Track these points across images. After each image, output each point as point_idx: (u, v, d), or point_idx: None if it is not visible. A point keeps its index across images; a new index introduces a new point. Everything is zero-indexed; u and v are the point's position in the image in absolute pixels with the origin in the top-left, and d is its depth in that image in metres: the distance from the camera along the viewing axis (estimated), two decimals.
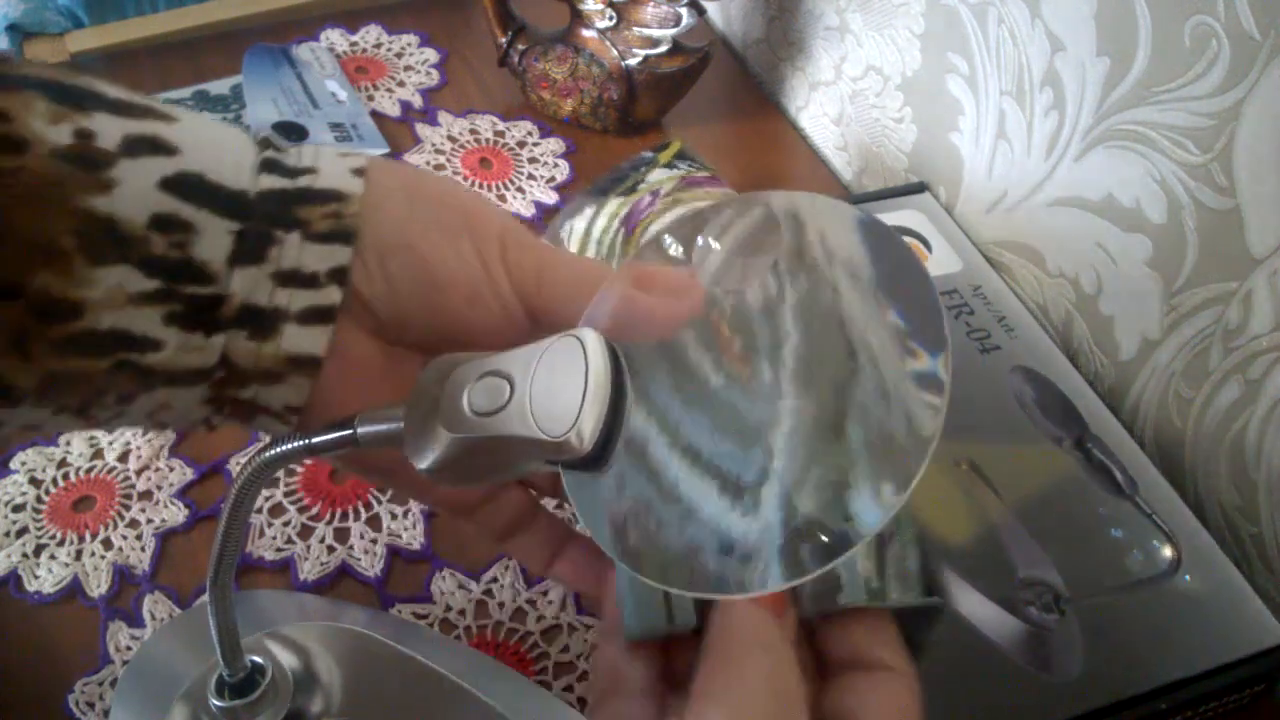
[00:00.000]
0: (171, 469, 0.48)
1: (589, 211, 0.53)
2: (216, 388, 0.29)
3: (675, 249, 0.31)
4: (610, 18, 0.64)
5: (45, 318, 0.25)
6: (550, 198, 0.64)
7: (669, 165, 0.55)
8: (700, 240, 0.31)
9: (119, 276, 0.26)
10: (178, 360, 0.27)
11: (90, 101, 0.26)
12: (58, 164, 0.25)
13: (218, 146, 0.28)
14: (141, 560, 0.45)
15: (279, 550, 0.46)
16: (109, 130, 0.26)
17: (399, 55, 0.73)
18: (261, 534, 0.46)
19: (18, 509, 0.46)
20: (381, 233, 0.29)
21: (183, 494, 0.48)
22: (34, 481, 0.48)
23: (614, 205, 0.53)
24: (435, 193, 0.31)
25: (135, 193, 0.26)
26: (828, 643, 0.28)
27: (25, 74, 0.26)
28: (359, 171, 0.29)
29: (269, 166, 0.28)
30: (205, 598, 0.34)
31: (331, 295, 0.28)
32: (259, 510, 0.47)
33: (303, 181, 0.29)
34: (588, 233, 0.53)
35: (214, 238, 0.27)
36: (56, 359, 0.26)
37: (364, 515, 0.47)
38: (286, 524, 0.47)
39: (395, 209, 0.30)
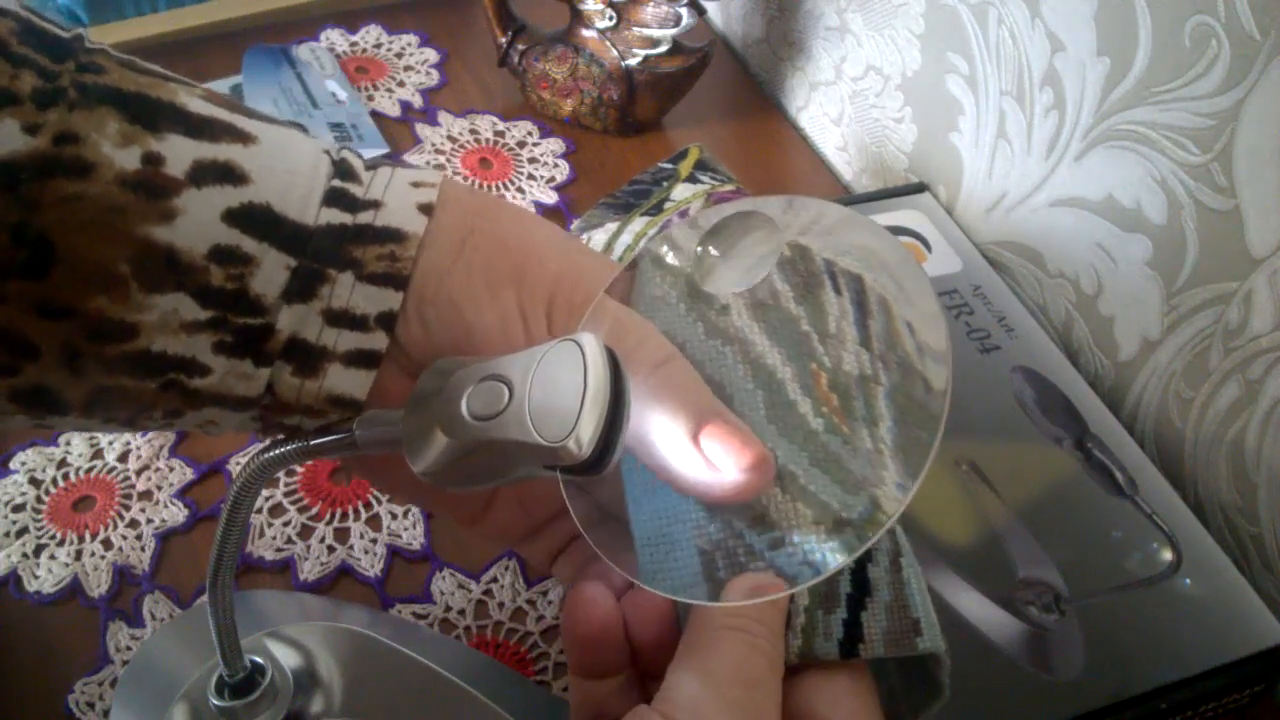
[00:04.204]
0: (171, 469, 0.48)
1: (611, 226, 0.53)
2: (263, 412, 0.29)
3: (672, 257, 0.31)
4: (610, 18, 0.64)
5: (98, 338, 0.25)
6: (550, 198, 0.64)
7: (691, 178, 0.55)
8: (699, 248, 0.31)
9: (174, 303, 0.26)
10: (225, 386, 0.27)
11: (166, 120, 0.25)
12: (121, 191, 0.24)
13: (290, 174, 0.27)
14: (141, 560, 0.45)
15: (279, 550, 0.46)
16: (179, 155, 0.25)
17: (399, 55, 0.73)
18: (261, 534, 0.46)
19: (18, 509, 0.46)
20: (424, 281, 0.28)
21: (183, 494, 0.48)
22: (34, 481, 0.48)
23: (640, 225, 0.52)
24: (493, 234, 0.29)
25: (197, 223, 0.25)
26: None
27: (106, 85, 0.25)
28: (426, 208, 0.28)
29: (334, 199, 0.27)
30: (205, 598, 0.34)
31: (378, 340, 0.28)
32: (259, 510, 0.47)
33: (363, 218, 0.28)
34: (609, 248, 0.52)
35: (271, 272, 0.26)
36: (106, 376, 0.26)
37: (364, 515, 0.47)
38: (286, 524, 0.47)
39: (442, 255, 0.28)
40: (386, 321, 0.28)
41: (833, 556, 0.26)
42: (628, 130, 0.68)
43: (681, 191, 0.54)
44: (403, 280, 0.28)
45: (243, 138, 0.26)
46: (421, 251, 0.28)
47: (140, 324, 0.25)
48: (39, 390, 0.26)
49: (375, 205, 0.28)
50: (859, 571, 0.28)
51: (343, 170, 0.28)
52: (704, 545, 0.27)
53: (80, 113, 0.24)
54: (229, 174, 0.26)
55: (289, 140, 0.28)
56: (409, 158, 0.65)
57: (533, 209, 0.63)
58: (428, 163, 0.65)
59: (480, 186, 0.64)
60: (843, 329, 0.28)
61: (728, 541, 0.27)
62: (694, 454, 0.27)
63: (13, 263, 0.24)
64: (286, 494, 0.48)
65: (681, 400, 0.27)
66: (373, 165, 0.30)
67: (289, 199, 0.27)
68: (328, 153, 0.28)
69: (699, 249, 0.31)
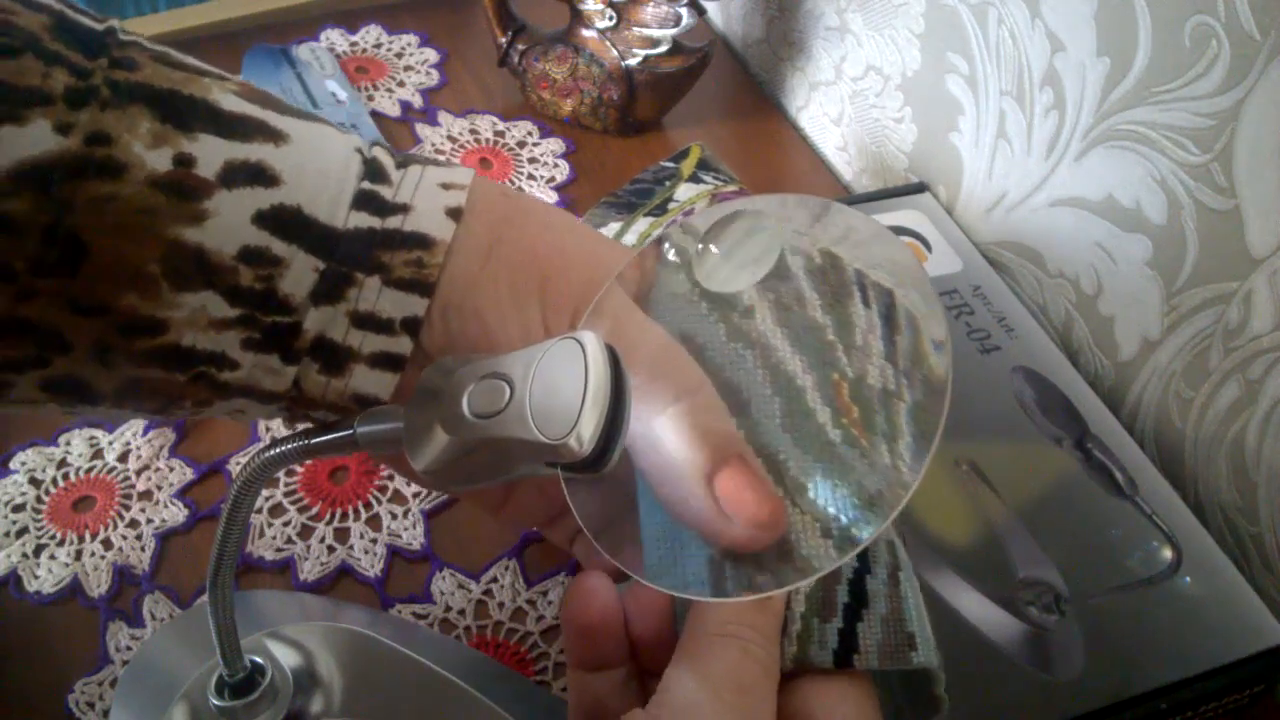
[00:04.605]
0: (171, 469, 0.48)
1: (615, 226, 0.53)
2: (290, 404, 0.29)
3: (673, 255, 0.31)
4: (610, 18, 0.64)
5: (128, 333, 0.26)
6: (550, 198, 0.64)
7: (693, 178, 0.55)
8: (699, 246, 0.31)
9: (203, 301, 0.26)
10: (253, 379, 0.28)
11: (198, 120, 0.25)
12: (152, 192, 0.25)
13: (321, 175, 0.27)
14: (141, 560, 0.45)
15: (279, 550, 0.46)
16: (210, 156, 0.25)
17: (399, 55, 0.73)
18: (261, 534, 0.46)
19: (18, 509, 0.46)
20: (450, 287, 0.28)
21: (183, 494, 0.48)
22: (34, 481, 0.48)
23: (644, 225, 0.52)
24: (521, 243, 0.29)
25: (228, 225, 0.25)
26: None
27: (139, 83, 0.25)
28: (454, 213, 0.28)
29: (363, 201, 0.27)
30: (205, 598, 0.34)
31: (403, 344, 0.28)
32: (259, 510, 0.47)
33: (392, 222, 0.28)
34: None
35: (299, 274, 0.27)
36: (136, 369, 0.26)
37: (364, 515, 0.47)
38: (286, 524, 0.47)
39: (470, 262, 0.29)
40: (411, 326, 0.28)
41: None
42: (628, 130, 0.68)
43: (685, 192, 0.54)
44: (428, 287, 0.28)
45: (275, 137, 0.26)
46: (449, 258, 0.28)
47: (170, 320, 0.26)
48: (70, 380, 0.26)
49: (404, 209, 0.28)
50: (857, 583, 0.28)
51: (372, 171, 0.28)
52: (713, 552, 0.27)
53: (112, 112, 0.24)
54: (260, 175, 0.26)
55: (321, 138, 0.28)
56: None
57: None
58: None
59: None
60: (869, 342, 0.28)
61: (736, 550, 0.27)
62: (706, 497, 0.26)
63: (44, 261, 0.24)
64: (286, 494, 0.48)
65: (702, 438, 0.27)
66: (404, 162, 0.29)
67: (319, 201, 0.27)
68: (359, 151, 0.28)
69: (699, 246, 0.31)
